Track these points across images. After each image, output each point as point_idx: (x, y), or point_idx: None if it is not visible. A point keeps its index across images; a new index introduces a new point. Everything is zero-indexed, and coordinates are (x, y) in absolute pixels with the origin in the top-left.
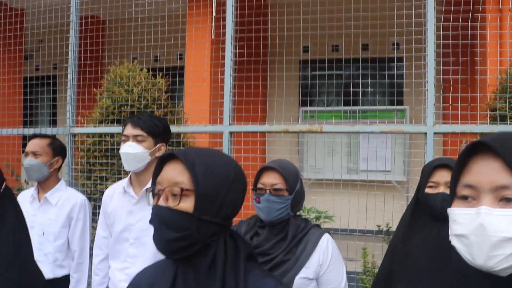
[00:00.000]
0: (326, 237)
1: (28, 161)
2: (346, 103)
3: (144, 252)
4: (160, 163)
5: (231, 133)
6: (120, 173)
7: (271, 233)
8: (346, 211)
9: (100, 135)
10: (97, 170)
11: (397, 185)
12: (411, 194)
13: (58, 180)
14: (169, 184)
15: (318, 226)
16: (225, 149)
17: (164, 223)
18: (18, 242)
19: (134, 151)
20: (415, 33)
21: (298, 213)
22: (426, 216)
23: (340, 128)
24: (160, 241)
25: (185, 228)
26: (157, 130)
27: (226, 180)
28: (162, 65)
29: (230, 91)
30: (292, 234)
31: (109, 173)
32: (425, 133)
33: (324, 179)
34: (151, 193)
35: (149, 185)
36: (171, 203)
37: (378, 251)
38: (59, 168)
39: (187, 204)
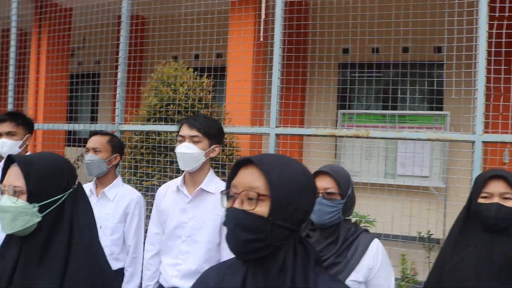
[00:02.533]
0: (376, 242)
1: (89, 157)
2: (385, 107)
3: (195, 249)
4: (236, 167)
5: (277, 135)
6: (165, 171)
7: (322, 235)
8: (382, 216)
9: (147, 132)
10: (143, 166)
11: (435, 191)
12: (450, 201)
13: (116, 176)
14: (245, 188)
15: (367, 231)
16: (271, 151)
17: (240, 225)
18: (90, 237)
19: (191, 152)
20: (459, 40)
21: (347, 217)
22: (478, 226)
23: (386, 134)
24: (234, 242)
25: (259, 230)
26: (212, 131)
27: (299, 186)
28: (203, 64)
29: (277, 94)
30: (343, 237)
31: (154, 170)
32: (473, 142)
33: (361, 182)
34: (225, 196)
35: (203, 185)
36: (247, 207)
37: (418, 258)
38: (117, 164)
39: (262, 208)
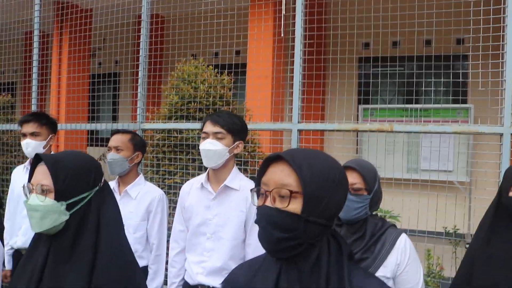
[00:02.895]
0: (403, 237)
1: (111, 155)
2: (407, 101)
3: (220, 246)
4: (265, 163)
5: (299, 131)
6: (187, 168)
7: (348, 231)
8: (406, 211)
9: (168, 130)
10: (165, 164)
11: (459, 186)
12: (474, 195)
13: (138, 174)
14: (276, 186)
15: (394, 226)
16: (293, 147)
17: (272, 223)
18: (117, 234)
19: (215, 148)
20: (485, 30)
21: (374, 213)
22: (509, 220)
23: (411, 128)
24: (267, 240)
25: (293, 228)
26: (236, 128)
27: (331, 181)
28: (223, 61)
29: (299, 90)
30: (370, 232)
31: (176, 168)
32: (501, 134)
33: (384, 178)
34: (255, 193)
35: (227, 181)
36: (279, 204)
37: (444, 254)
38: (139, 162)
39: (295, 206)
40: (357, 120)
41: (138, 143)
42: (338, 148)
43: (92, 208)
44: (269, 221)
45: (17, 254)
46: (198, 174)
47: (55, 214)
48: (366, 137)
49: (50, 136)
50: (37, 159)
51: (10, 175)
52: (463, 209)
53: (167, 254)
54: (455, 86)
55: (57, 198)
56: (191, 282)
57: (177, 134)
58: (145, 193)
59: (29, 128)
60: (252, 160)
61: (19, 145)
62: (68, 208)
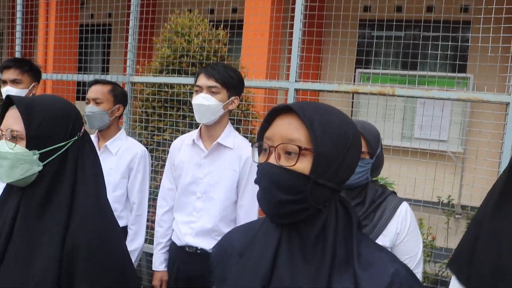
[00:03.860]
0: (404, 206)
1: (89, 108)
2: (404, 68)
3: (211, 207)
4: (271, 115)
5: (296, 90)
6: (178, 125)
7: (348, 196)
8: (398, 178)
9: (159, 85)
10: (154, 120)
11: (452, 155)
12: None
13: (119, 129)
14: (283, 141)
15: (395, 193)
16: None
17: (276, 183)
18: (96, 190)
19: (208, 103)
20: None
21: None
22: None
23: (414, 93)
24: (268, 203)
25: (299, 190)
26: (232, 82)
27: (345, 140)
28: (218, 19)
29: (298, 47)
30: (370, 199)
31: (166, 124)
32: (508, 103)
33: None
34: (256, 149)
35: (220, 139)
36: (284, 162)
37: (439, 223)
38: (120, 116)
39: (303, 165)
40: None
41: (119, 95)
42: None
43: (69, 160)
44: (272, 181)
45: None
46: (189, 131)
47: (26, 163)
48: (363, 100)
49: (33, 84)
50: (8, 102)
51: None
52: (457, 179)
53: (150, 214)
54: (455, 54)
55: (29, 146)
56: (178, 242)
57: (168, 89)
58: (126, 149)
59: (10, 74)
60: (245, 119)
61: None
62: (42, 158)
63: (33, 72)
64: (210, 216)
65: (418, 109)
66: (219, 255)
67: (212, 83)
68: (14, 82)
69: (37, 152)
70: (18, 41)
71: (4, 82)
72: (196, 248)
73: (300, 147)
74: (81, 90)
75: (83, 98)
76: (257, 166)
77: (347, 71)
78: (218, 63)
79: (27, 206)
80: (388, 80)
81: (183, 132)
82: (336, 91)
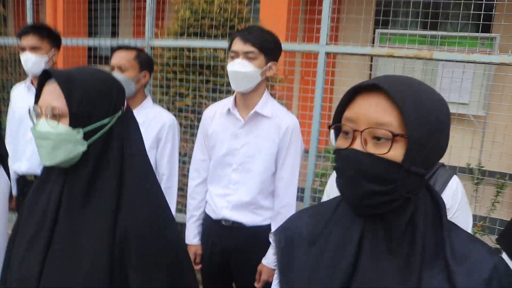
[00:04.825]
0: (455, 179)
1: (114, 75)
2: (424, 27)
3: (248, 179)
4: (352, 93)
5: (327, 53)
6: (200, 90)
7: None
8: None
9: (179, 48)
10: (175, 85)
11: (474, 120)
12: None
13: (145, 96)
14: (370, 125)
15: (444, 165)
16: (320, 71)
17: (364, 172)
18: (145, 168)
19: (245, 70)
20: None
21: None
22: None
23: (453, 56)
24: (354, 193)
25: (391, 180)
26: (269, 46)
27: (439, 122)
28: None
29: (329, 7)
30: None
31: (187, 89)
32: None
33: None
34: (332, 131)
35: (258, 107)
36: (372, 149)
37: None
38: (146, 83)
39: (395, 152)
40: (373, 45)
41: (145, 61)
42: (350, 73)
43: (114, 138)
44: (359, 170)
45: (21, 179)
46: (212, 98)
47: (70, 143)
48: (381, 62)
49: (53, 51)
50: (45, 76)
51: (7, 93)
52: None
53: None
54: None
55: (73, 124)
56: (213, 216)
57: (188, 52)
58: (154, 118)
59: (28, 41)
60: (267, 83)
61: (15, 61)
62: (86, 137)
63: (52, 38)
64: (248, 188)
65: (439, 71)
66: (284, 241)
67: (249, 48)
68: (33, 48)
69: (81, 130)
70: (29, 6)
71: (23, 49)
72: (233, 221)
73: (393, 133)
74: (92, 55)
75: (94, 62)
76: (336, 151)
77: (365, 32)
78: (254, 26)
79: (72, 190)
80: (407, 41)
81: (206, 97)
82: (371, 55)
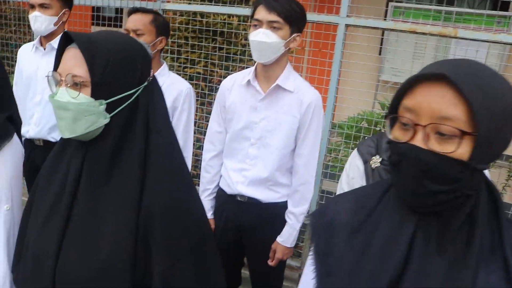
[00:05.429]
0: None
1: None
2: (439, 1)
3: (267, 155)
4: (413, 81)
5: (347, 26)
6: (213, 58)
7: None
8: None
9: (193, 13)
10: (186, 52)
11: None
12: None
13: (161, 63)
14: (435, 120)
15: None
16: (339, 44)
17: (428, 172)
18: (171, 142)
19: (270, 40)
20: None
21: None
22: None
23: (479, 35)
24: (413, 193)
25: (456, 179)
26: (295, 16)
27: (508, 114)
28: None
29: None
30: None
31: (199, 56)
32: None
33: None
34: (388, 120)
35: (280, 80)
36: (436, 146)
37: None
38: (162, 49)
39: (462, 150)
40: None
41: (161, 26)
42: (360, 47)
43: (139, 110)
44: (422, 169)
45: (29, 144)
46: (225, 66)
47: (92, 115)
48: (392, 37)
49: (64, 11)
50: (66, 40)
51: (10, 52)
52: None
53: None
54: None
55: (95, 94)
56: (228, 190)
57: (201, 18)
58: (170, 86)
59: None
60: None
61: (19, 19)
62: (109, 109)
63: None
64: (266, 164)
65: (452, 49)
66: (321, 225)
67: (274, 17)
68: (42, 6)
69: (104, 101)
70: None
71: (32, 7)
72: (248, 197)
73: (461, 131)
74: (95, 16)
75: (97, 24)
76: (393, 143)
77: (378, 4)
78: None
79: (93, 165)
80: (421, 16)
81: (219, 66)
82: (392, 29)
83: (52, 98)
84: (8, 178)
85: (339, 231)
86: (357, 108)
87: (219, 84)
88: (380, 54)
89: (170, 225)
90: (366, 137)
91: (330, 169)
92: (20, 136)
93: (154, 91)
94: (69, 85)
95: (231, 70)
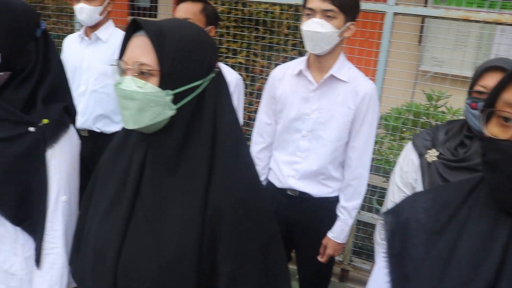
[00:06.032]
0: None
1: None
2: None
3: (319, 147)
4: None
5: (395, 14)
6: (254, 48)
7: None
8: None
9: (235, 2)
10: (228, 41)
11: None
12: None
13: None
14: None
15: None
16: (386, 33)
17: None
18: (238, 138)
19: (324, 30)
20: None
21: None
22: None
23: None
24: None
25: None
26: (350, 4)
27: None
28: None
29: None
30: None
31: (240, 46)
32: None
33: (450, 74)
34: (484, 115)
35: (333, 70)
36: None
37: None
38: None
39: None
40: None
41: (211, 15)
42: (398, 35)
43: (206, 102)
44: None
45: None
46: (268, 57)
47: (158, 106)
48: (433, 24)
49: (108, 0)
50: (133, 27)
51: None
52: None
53: None
54: None
55: (162, 84)
56: (278, 184)
57: (242, 7)
58: None
59: None
60: None
61: (60, 10)
62: (175, 100)
63: None
64: (318, 157)
65: (497, 37)
66: (397, 224)
67: (328, 6)
68: None
69: (170, 92)
70: None
71: None
72: (299, 191)
73: None
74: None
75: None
76: (490, 140)
77: None
78: None
79: (157, 158)
80: (463, 2)
81: (262, 56)
82: (443, 17)
83: (117, 87)
84: (66, 170)
85: (417, 232)
86: (397, 99)
87: (260, 74)
88: (419, 42)
89: (239, 222)
90: (406, 129)
91: (374, 162)
92: (75, 127)
93: (221, 83)
94: (135, 74)
95: (273, 60)
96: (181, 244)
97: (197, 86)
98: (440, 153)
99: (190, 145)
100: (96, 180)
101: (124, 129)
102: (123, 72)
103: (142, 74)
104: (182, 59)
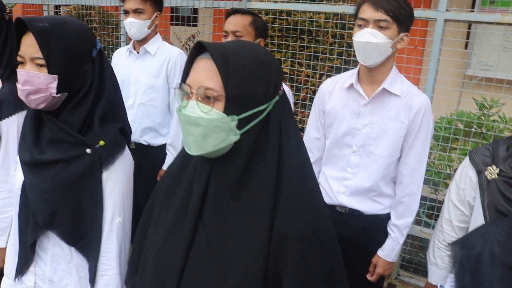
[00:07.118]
0: None
1: None
2: None
3: (370, 163)
4: None
5: (446, 21)
6: (299, 58)
7: None
8: None
9: (279, 12)
10: (272, 51)
11: None
12: None
13: None
14: None
15: None
16: (437, 41)
17: None
18: (304, 162)
19: (377, 41)
20: None
21: None
22: None
23: None
24: None
25: None
26: (404, 14)
27: None
28: None
29: None
30: None
31: (284, 56)
32: None
33: (495, 78)
34: None
35: (386, 84)
36: None
37: None
38: None
39: None
40: (473, 8)
41: (260, 27)
42: (446, 41)
43: (271, 126)
44: None
45: None
46: (313, 67)
47: (222, 132)
48: (480, 30)
49: (156, 14)
50: (197, 49)
51: None
52: None
53: None
54: None
55: (227, 109)
56: (328, 200)
57: (286, 16)
58: None
59: (131, 3)
60: None
61: (106, 23)
62: (239, 125)
63: (154, 0)
64: (369, 173)
65: None
66: (467, 257)
67: (381, 16)
68: (136, 12)
69: (235, 117)
70: None
71: (126, 13)
72: (350, 208)
73: None
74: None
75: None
76: None
77: None
78: None
79: (220, 183)
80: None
81: (307, 66)
82: (499, 23)
83: (180, 112)
84: (121, 191)
85: (490, 265)
86: (445, 108)
87: (305, 84)
88: (466, 48)
89: (305, 250)
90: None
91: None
92: (130, 146)
93: (285, 105)
94: (200, 98)
95: (318, 70)
96: (246, 271)
97: (262, 111)
98: (501, 170)
99: (254, 170)
100: (154, 203)
101: (184, 152)
102: (186, 95)
103: (207, 98)
104: (248, 83)
